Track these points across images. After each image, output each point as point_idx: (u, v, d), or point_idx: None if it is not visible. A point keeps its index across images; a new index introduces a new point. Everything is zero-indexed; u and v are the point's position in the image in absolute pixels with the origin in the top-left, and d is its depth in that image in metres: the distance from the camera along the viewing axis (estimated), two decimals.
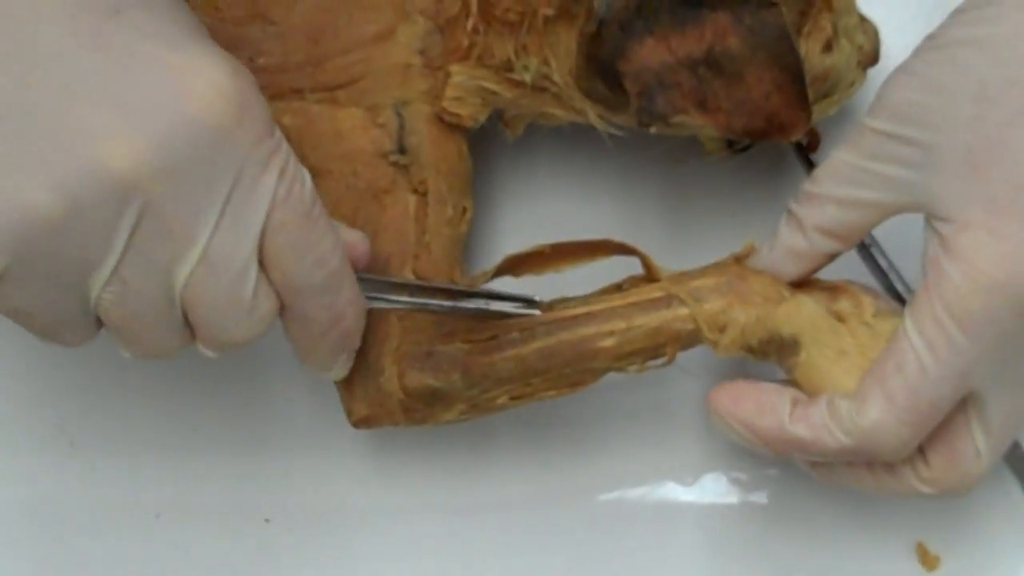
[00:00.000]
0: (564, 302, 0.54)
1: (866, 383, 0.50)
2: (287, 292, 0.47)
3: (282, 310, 0.48)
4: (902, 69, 0.51)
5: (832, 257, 0.54)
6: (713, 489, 0.61)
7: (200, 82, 0.43)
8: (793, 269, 0.54)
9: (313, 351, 0.51)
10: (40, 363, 0.63)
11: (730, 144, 0.60)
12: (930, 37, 0.51)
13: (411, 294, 0.53)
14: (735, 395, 0.53)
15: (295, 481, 0.62)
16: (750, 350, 0.53)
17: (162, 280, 0.44)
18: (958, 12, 0.50)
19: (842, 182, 0.52)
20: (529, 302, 0.54)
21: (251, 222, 0.45)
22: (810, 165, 0.62)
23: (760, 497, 0.61)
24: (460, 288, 0.54)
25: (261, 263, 0.46)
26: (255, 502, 0.62)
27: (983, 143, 0.48)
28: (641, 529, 0.61)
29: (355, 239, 0.51)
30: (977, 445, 0.50)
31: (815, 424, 0.51)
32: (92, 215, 0.42)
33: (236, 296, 0.45)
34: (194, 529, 0.62)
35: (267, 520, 0.62)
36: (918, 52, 0.51)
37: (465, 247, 0.58)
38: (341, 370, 0.53)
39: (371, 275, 0.52)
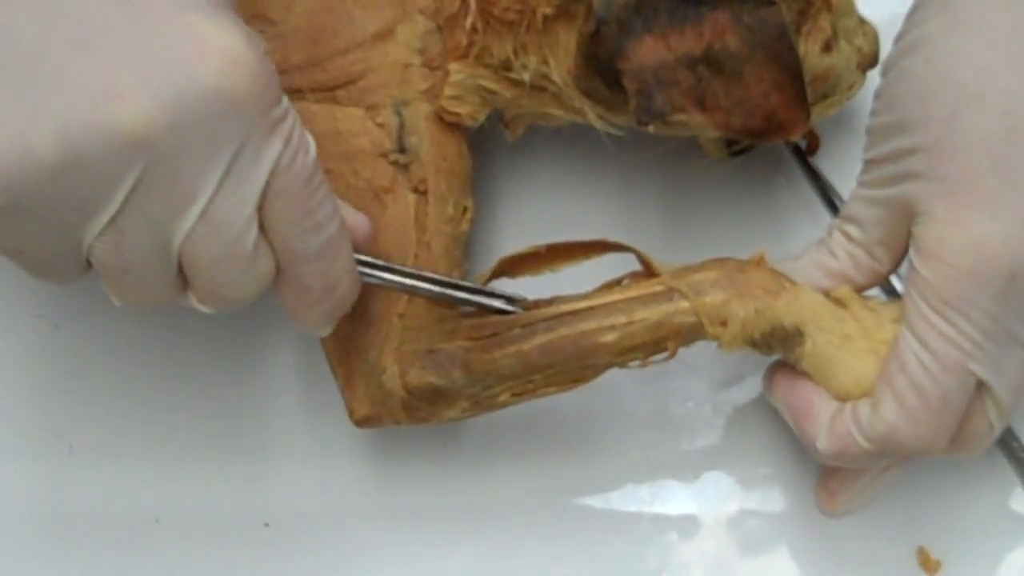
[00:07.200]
0: (555, 300, 0.54)
1: (878, 387, 0.51)
2: (284, 256, 0.48)
3: (278, 274, 0.49)
4: (873, 96, 0.52)
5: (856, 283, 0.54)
6: (714, 489, 0.61)
7: (215, 47, 0.43)
8: (816, 282, 0.54)
9: (305, 316, 0.51)
10: (39, 369, 0.63)
11: (729, 146, 0.60)
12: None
13: (403, 278, 0.53)
14: (792, 385, 0.54)
15: (294, 485, 0.62)
16: (754, 344, 0.53)
17: (160, 234, 0.45)
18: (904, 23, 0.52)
19: (859, 213, 0.53)
20: (511, 299, 0.55)
21: (252, 186, 0.45)
22: (808, 168, 0.62)
23: (760, 499, 0.61)
24: (450, 280, 0.54)
25: (261, 226, 0.47)
26: (254, 506, 0.62)
27: (933, 141, 0.48)
28: (642, 528, 0.61)
29: (357, 221, 0.51)
30: (991, 422, 0.51)
31: (840, 434, 0.52)
32: (93, 167, 0.42)
33: (235, 255, 0.46)
34: (193, 533, 0.62)
35: (266, 524, 0.62)
36: (881, 74, 0.52)
37: (466, 247, 0.58)
38: (327, 331, 0.53)
39: (367, 257, 0.52)
